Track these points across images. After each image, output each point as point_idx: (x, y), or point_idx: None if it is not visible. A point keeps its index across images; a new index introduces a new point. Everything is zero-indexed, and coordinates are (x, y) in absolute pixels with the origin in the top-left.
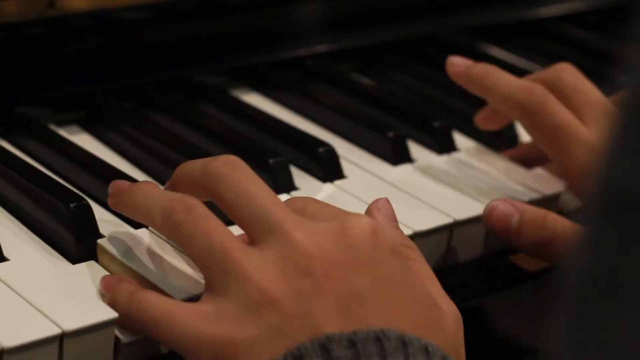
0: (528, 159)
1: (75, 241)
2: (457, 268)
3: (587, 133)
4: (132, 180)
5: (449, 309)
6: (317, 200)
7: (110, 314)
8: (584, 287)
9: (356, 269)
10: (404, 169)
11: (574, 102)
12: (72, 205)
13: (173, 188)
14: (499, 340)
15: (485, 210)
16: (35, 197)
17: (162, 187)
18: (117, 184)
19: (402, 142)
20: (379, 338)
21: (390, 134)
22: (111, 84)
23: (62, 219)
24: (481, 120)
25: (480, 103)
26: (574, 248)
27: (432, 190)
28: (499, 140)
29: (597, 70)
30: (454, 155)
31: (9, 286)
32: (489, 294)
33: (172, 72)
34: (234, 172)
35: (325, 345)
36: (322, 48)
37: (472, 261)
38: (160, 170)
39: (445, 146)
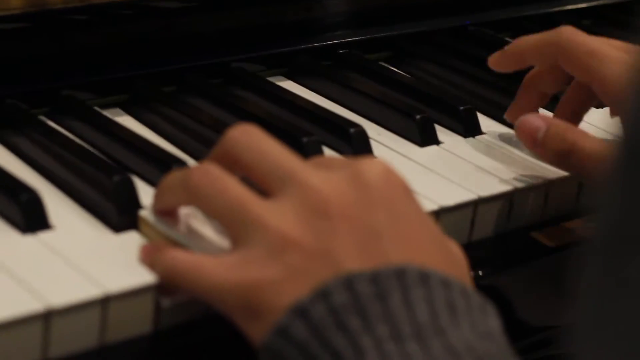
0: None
1: (118, 212)
2: (478, 244)
3: (618, 54)
4: (171, 156)
5: (455, 247)
6: (331, 156)
7: (150, 277)
8: (609, 232)
9: (371, 207)
10: (430, 150)
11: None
12: (115, 177)
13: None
14: (517, 317)
15: (517, 121)
16: (80, 171)
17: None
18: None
19: (429, 125)
20: (399, 273)
21: (417, 117)
22: (152, 69)
23: (105, 191)
24: (512, 114)
25: (505, 91)
26: (600, 196)
27: (457, 169)
28: None
29: None
30: (479, 137)
31: (55, 251)
32: (507, 269)
33: (210, 59)
34: (247, 136)
35: (348, 282)
36: (353, 37)
37: (494, 237)
38: (199, 149)
39: (470, 129)
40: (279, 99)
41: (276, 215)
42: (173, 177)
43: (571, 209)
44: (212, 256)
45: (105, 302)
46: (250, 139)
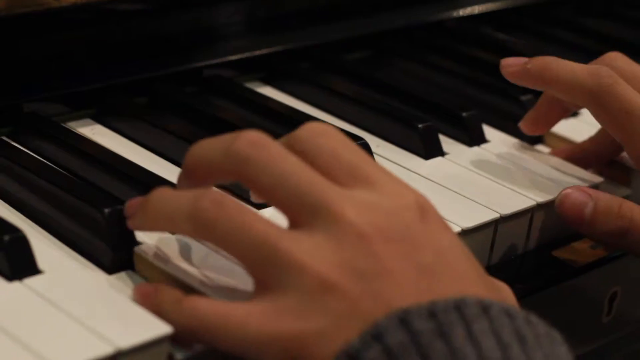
0: (573, 159)
1: (112, 250)
2: (499, 266)
3: None
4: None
5: (497, 280)
6: (362, 158)
7: (164, 328)
8: None
9: (416, 245)
10: (436, 162)
11: (635, 87)
12: (105, 210)
13: (188, 176)
14: None
15: (557, 198)
16: (61, 203)
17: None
18: (129, 204)
19: (434, 134)
20: (459, 305)
21: (420, 126)
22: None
23: (95, 226)
24: (528, 124)
25: (499, 92)
26: None
27: (469, 184)
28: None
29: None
30: (485, 146)
31: (49, 301)
32: (533, 292)
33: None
34: (261, 151)
35: (404, 319)
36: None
37: (514, 259)
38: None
39: (475, 138)
40: (258, 107)
41: (310, 252)
42: (171, 203)
43: None
44: (237, 304)
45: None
46: (264, 157)
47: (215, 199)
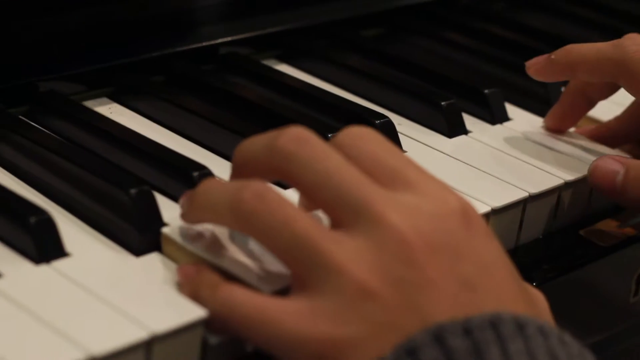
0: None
1: (139, 232)
2: (526, 246)
3: None
4: (190, 162)
5: (535, 291)
6: (405, 162)
7: (198, 312)
8: None
9: (459, 255)
10: (460, 140)
11: None
12: (132, 191)
13: (237, 174)
14: (571, 320)
15: (589, 167)
16: (86, 185)
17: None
18: (184, 196)
19: (457, 112)
20: (494, 323)
21: (443, 104)
22: None
23: (121, 208)
24: (554, 120)
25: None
26: None
27: (495, 162)
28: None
29: None
30: (508, 124)
31: (79, 285)
32: (561, 273)
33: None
34: (304, 148)
35: (438, 335)
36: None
37: (542, 238)
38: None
39: (498, 115)
40: (276, 84)
41: (351, 255)
42: (216, 194)
43: (613, 204)
44: (274, 299)
45: (150, 345)
46: (306, 154)
47: (257, 191)
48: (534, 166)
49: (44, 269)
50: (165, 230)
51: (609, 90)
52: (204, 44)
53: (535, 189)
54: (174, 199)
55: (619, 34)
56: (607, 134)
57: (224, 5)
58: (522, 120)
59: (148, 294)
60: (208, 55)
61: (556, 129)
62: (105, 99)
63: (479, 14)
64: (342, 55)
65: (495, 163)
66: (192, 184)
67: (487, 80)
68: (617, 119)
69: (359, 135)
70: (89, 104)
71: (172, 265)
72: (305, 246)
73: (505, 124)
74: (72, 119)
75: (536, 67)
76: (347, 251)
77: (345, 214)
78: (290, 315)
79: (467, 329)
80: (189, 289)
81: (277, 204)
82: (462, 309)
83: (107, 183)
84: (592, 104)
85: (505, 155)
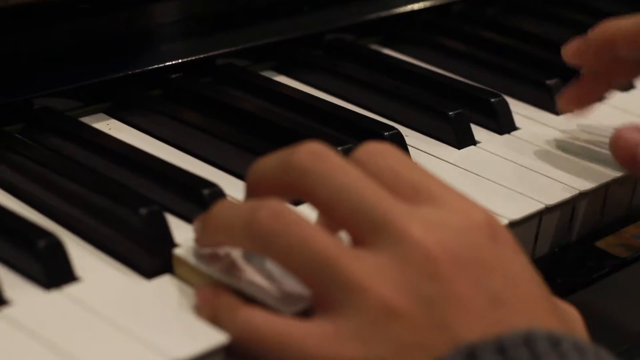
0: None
1: (150, 254)
2: (542, 259)
3: None
4: (199, 180)
5: (568, 306)
6: (426, 176)
7: (218, 338)
8: None
9: (487, 270)
10: (469, 152)
11: None
12: (142, 211)
13: (252, 193)
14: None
15: (610, 139)
16: (92, 204)
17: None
18: (197, 220)
19: (465, 122)
20: (528, 340)
21: (451, 114)
22: None
23: (131, 229)
24: (569, 101)
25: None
26: None
27: (508, 173)
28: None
29: None
30: (516, 134)
31: (93, 311)
32: (578, 287)
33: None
34: (321, 163)
35: (471, 355)
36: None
37: (557, 251)
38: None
39: (506, 125)
40: (275, 95)
41: (373, 273)
42: (229, 214)
43: (625, 214)
44: (295, 322)
45: None
46: (323, 170)
47: (273, 210)
48: (546, 176)
49: (55, 295)
50: (177, 251)
51: (638, 68)
52: (201, 56)
53: (550, 201)
54: (184, 218)
55: None
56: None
57: (219, 16)
58: (529, 129)
59: (165, 319)
60: (205, 67)
61: (569, 111)
62: (102, 115)
63: (473, 20)
64: (340, 64)
65: (508, 174)
66: (203, 202)
67: (489, 87)
68: None
69: (377, 151)
70: (86, 119)
71: (186, 288)
72: (326, 265)
73: (514, 133)
74: (70, 136)
75: (572, 49)
76: (369, 268)
77: (366, 231)
78: (313, 338)
79: (500, 347)
80: (208, 312)
81: (295, 223)
82: (493, 326)
83: (115, 203)
84: (612, 86)
85: (516, 166)
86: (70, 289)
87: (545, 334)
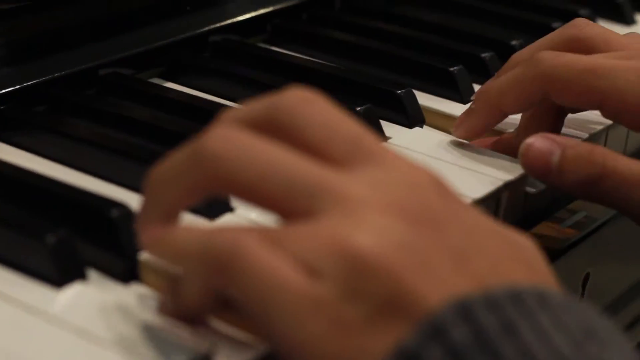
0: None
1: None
2: None
3: (621, 62)
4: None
5: (523, 239)
6: (360, 131)
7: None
8: None
9: (444, 226)
10: None
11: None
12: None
13: (153, 197)
14: None
15: (521, 148)
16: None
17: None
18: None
19: (375, 117)
20: (515, 297)
21: (359, 109)
22: None
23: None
24: (466, 131)
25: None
26: None
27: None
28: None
29: None
30: (427, 126)
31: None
32: None
33: None
34: (235, 146)
35: (466, 311)
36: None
37: None
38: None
39: (414, 118)
40: (166, 102)
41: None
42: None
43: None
44: None
45: None
46: (242, 150)
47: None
48: (465, 168)
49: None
50: (144, 258)
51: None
52: (83, 67)
53: (475, 194)
54: (93, 242)
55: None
56: (507, 147)
57: (96, 24)
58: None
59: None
60: (88, 78)
61: (466, 139)
62: None
63: (360, 11)
64: (229, 65)
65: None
66: (112, 224)
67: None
68: (514, 132)
69: (304, 99)
70: None
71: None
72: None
73: (424, 125)
74: None
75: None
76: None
77: (303, 205)
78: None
79: (490, 303)
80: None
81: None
82: (463, 284)
83: (18, 234)
84: (506, 115)
85: (429, 159)
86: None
87: (532, 291)
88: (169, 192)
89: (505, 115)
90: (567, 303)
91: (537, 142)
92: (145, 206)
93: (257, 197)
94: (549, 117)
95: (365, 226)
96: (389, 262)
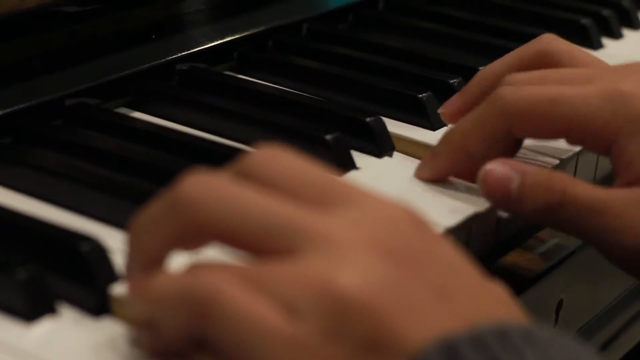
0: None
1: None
2: None
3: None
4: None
5: (498, 286)
6: (328, 177)
7: None
8: None
9: (424, 263)
10: (349, 177)
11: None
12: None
13: (135, 256)
14: None
15: (479, 175)
16: None
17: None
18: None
19: (344, 146)
20: (502, 335)
21: (328, 137)
22: None
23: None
24: (434, 174)
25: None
26: None
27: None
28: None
29: None
30: (396, 155)
31: None
32: None
33: None
34: (212, 191)
35: (451, 350)
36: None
37: None
38: None
39: (384, 146)
40: (133, 132)
41: None
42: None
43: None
44: None
45: None
46: (219, 194)
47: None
48: (436, 198)
49: None
50: (116, 292)
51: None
52: (48, 97)
53: (447, 223)
54: (63, 276)
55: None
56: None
57: (63, 54)
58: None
59: None
60: (54, 109)
61: (430, 180)
62: None
63: (326, 38)
64: (196, 93)
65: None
66: (81, 258)
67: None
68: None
69: (269, 156)
70: None
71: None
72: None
73: (394, 154)
74: None
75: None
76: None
77: (285, 247)
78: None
79: (476, 342)
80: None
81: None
82: (446, 321)
83: None
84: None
85: (402, 191)
86: None
87: (518, 329)
88: (150, 241)
89: (472, 157)
90: (553, 339)
91: (497, 168)
92: (129, 256)
93: (237, 241)
94: (508, 141)
95: (346, 265)
96: (372, 301)
